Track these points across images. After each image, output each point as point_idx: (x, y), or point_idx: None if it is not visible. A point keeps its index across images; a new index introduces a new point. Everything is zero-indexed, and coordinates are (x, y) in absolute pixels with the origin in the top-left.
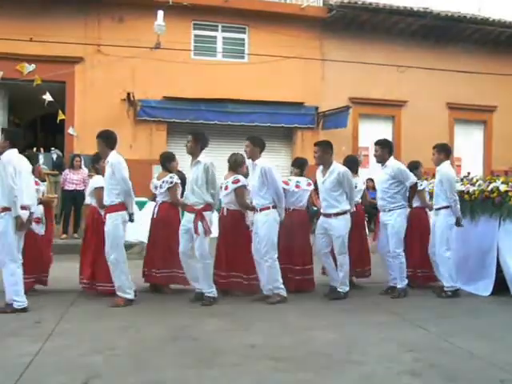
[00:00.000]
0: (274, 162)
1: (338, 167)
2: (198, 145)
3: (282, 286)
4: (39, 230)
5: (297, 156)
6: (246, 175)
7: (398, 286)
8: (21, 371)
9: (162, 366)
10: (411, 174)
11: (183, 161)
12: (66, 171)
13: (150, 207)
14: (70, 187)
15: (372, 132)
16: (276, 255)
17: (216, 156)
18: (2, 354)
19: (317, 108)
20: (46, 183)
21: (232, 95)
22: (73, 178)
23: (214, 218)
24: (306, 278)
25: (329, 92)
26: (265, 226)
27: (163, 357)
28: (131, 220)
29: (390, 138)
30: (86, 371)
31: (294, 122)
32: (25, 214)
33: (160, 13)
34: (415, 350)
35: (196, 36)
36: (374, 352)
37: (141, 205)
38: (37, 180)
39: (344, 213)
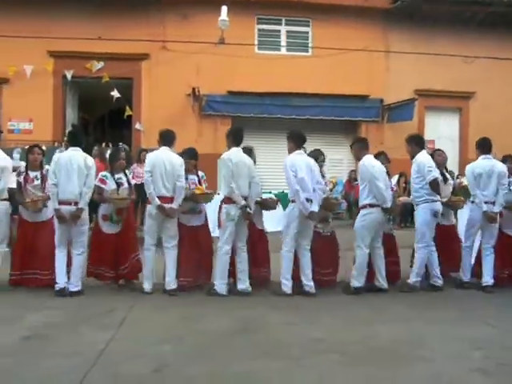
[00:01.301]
0: (337, 155)
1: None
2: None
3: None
4: (107, 227)
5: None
6: None
7: (408, 281)
8: (95, 357)
9: (228, 358)
10: (433, 170)
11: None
12: (134, 165)
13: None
14: (137, 181)
15: (438, 124)
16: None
17: (280, 150)
18: (77, 341)
19: (381, 101)
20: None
21: (296, 89)
22: (140, 172)
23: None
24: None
25: (393, 84)
26: None
27: (229, 348)
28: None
29: (456, 131)
30: (156, 360)
31: (358, 116)
32: (66, 209)
33: (224, 8)
34: (484, 348)
35: (260, 30)
36: (442, 349)
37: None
38: (103, 178)
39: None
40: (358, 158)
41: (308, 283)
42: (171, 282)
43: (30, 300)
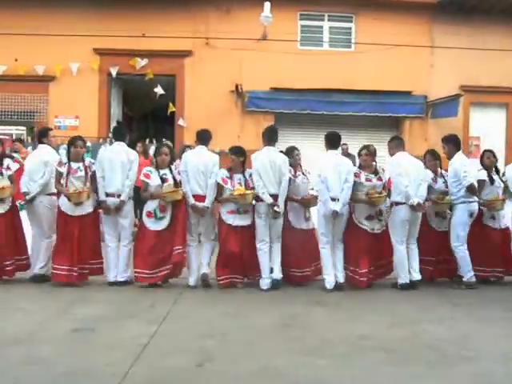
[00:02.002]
0: (380, 152)
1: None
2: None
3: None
4: (151, 224)
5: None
6: None
7: (463, 279)
8: (139, 351)
9: (272, 353)
10: (468, 176)
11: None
12: (177, 162)
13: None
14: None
15: (484, 121)
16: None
17: (322, 146)
18: (122, 334)
19: (425, 97)
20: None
21: (339, 85)
22: None
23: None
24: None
25: (438, 80)
26: None
27: (274, 344)
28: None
29: (503, 127)
30: (200, 354)
31: (402, 112)
32: (111, 201)
33: (267, 4)
34: None
35: (302, 26)
36: (489, 349)
37: None
38: (148, 172)
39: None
40: (391, 155)
41: (339, 274)
42: (204, 267)
43: (77, 294)
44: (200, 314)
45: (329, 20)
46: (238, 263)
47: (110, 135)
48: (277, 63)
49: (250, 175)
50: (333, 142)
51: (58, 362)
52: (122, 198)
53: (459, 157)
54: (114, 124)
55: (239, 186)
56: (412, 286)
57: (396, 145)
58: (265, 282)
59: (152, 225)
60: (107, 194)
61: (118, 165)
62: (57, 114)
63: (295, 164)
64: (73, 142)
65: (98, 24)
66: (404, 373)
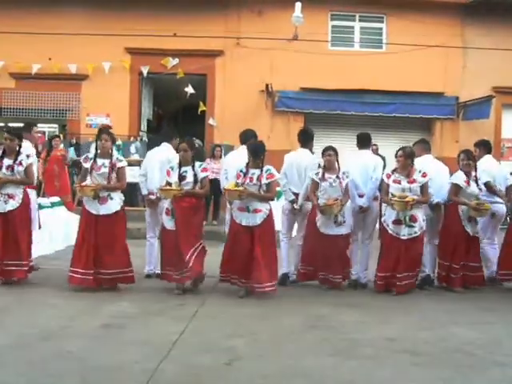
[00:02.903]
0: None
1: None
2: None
3: None
4: (167, 222)
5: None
6: None
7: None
8: (168, 348)
9: (300, 354)
10: (484, 174)
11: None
12: (208, 160)
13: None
14: (210, 176)
15: None
16: None
17: (352, 147)
18: (151, 331)
19: (457, 98)
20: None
21: (369, 85)
22: (214, 168)
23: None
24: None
25: (470, 81)
26: None
27: (302, 345)
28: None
29: None
30: (229, 353)
31: (433, 113)
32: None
33: (298, 4)
34: None
35: (333, 27)
36: None
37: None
38: (169, 169)
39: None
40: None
41: (362, 274)
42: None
43: (107, 291)
44: (228, 313)
45: (360, 20)
46: (240, 264)
47: (141, 133)
48: (307, 63)
49: (268, 170)
50: (363, 141)
51: (87, 357)
52: (157, 195)
53: (485, 159)
54: (144, 122)
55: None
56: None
57: (421, 148)
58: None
59: (167, 223)
60: (148, 192)
61: (157, 165)
62: (89, 113)
63: (328, 166)
64: (98, 134)
65: (130, 24)
66: (432, 376)
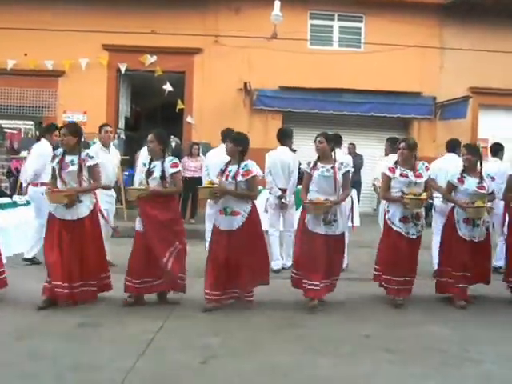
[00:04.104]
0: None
1: None
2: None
3: None
4: (137, 223)
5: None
6: None
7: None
8: (144, 347)
9: (275, 351)
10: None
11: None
12: (185, 158)
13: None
14: (188, 174)
15: (492, 123)
16: None
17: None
18: (126, 331)
19: (435, 98)
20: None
21: (348, 85)
22: (191, 166)
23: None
24: None
25: (447, 81)
26: None
27: (277, 343)
28: None
29: (511, 130)
30: (204, 351)
31: (410, 113)
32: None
33: (277, 3)
34: None
35: (312, 25)
36: (493, 351)
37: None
38: (142, 165)
39: None
40: (385, 155)
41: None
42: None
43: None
44: (204, 312)
45: (339, 20)
46: (223, 276)
47: (119, 131)
48: (286, 62)
49: (245, 166)
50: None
51: (63, 356)
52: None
53: (445, 156)
54: (122, 120)
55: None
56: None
57: (390, 147)
58: (275, 263)
59: (137, 225)
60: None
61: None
62: (65, 110)
63: (321, 155)
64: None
65: (108, 20)
66: (407, 373)
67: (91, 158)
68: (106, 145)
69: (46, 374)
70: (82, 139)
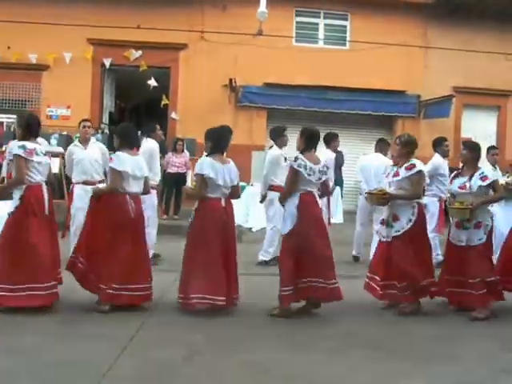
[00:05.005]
0: (372, 150)
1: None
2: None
3: None
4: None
5: None
6: None
7: None
8: (126, 342)
9: (258, 348)
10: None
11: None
12: (169, 154)
13: (248, 192)
14: (172, 170)
15: (475, 122)
16: None
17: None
18: (109, 325)
19: (419, 96)
20: None
21: (333, 82)
22: (175, 161)
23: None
24: None
25: (431, 80)
26: None
27: (259, 339)
28: None
29: (493, 129)
30: (187, 347)
31: (394, 111)
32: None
33: (263, 0)
34: None
35: (298, 23)
36: (474, 349)
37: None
38: None
39: None
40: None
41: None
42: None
43: (64, 285)
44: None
45: (324, 17)
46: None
47: (103, 126)
48: (271, 59)
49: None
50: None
51: (40, 352)
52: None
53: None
54: (106, 115)
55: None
56: None
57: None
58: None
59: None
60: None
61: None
62: (49, 104)
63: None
64: None
65: (93, 14)
66: (389, 369)
67: (10, 151)
68: (83, 140)
69: (23, 371)
70: (65, 133)
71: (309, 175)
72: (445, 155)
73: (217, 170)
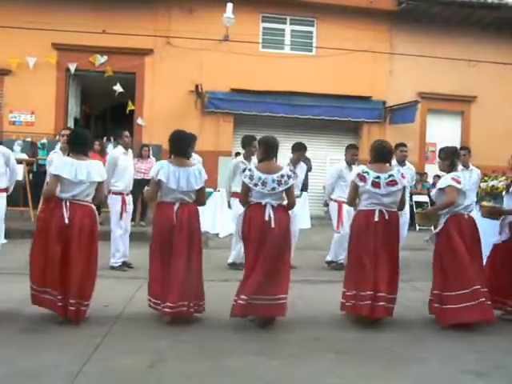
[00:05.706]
0: (338, 155)
1: None
2: None
3: None
4: None
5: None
6: None
7: None
8: (91, 351)
9: (225, 354)
10: None
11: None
12: (135, 160)
13: (215, 198)
14: (138, 176)
15: (440, 127)
16: None
17: (282, 148)
18: (73, 334)
19: (384, 102)
20: None
21: (299, 88)
22: (141, 168)
23: None
24: None
25: (397, 86)
26: None
27: (227, 345)
28: None
29: (458, 134)
30: (152, 355)
31: (360, 116)
32: None
33: (229, 5)
34: (481, 351)
35: (264, 29)
36: (438, 350)
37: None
38: None
39: None
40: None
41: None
42: None
43: (26, 294)
44: (152, 315)
45: (291, 23)
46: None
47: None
48: (238, 65)
49: None
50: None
51: (4, 363)
52: None
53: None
54: (71, 121)
55: None
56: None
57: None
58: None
59: None
60: None
61: None
62: (12, 109)
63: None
64: None
65: (58, 18)
66: (355, 373)
67: None
68: (64, 148)
69: None
70: (29, 139)
71: (255, 185)
72: (401, 160)
73: (169, 173)
